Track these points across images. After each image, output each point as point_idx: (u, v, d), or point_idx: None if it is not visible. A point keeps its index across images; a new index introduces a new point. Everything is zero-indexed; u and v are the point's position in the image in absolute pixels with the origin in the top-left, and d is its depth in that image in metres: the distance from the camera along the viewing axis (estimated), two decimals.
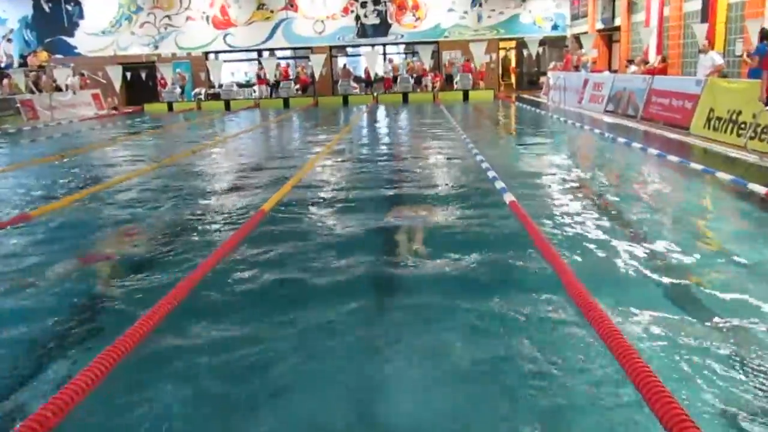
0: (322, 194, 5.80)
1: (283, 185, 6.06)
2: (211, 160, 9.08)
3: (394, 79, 23.01)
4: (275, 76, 23.31)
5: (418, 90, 23.00)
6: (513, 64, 25.66)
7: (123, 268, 3.80)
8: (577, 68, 18.97)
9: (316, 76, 22.43)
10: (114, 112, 21.18)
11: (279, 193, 5.66)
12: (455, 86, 22.84)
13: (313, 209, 5.26)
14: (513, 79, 25.65)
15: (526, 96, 21.10)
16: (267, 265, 3.84)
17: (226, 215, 5.24)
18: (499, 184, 5.49)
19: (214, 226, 4.87)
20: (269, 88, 23.92)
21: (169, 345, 2.70)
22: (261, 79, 23.93)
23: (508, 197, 4.87)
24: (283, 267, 3.80)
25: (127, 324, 2.36)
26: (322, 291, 3.33)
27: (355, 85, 23.55)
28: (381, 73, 23.20)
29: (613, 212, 4.82)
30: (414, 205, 5.14)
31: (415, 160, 7.71)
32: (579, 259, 3.68)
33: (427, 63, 22.18)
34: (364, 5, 23.38)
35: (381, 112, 18.35)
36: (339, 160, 8.06)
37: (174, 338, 2.76)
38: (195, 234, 4.66)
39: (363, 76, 24.00)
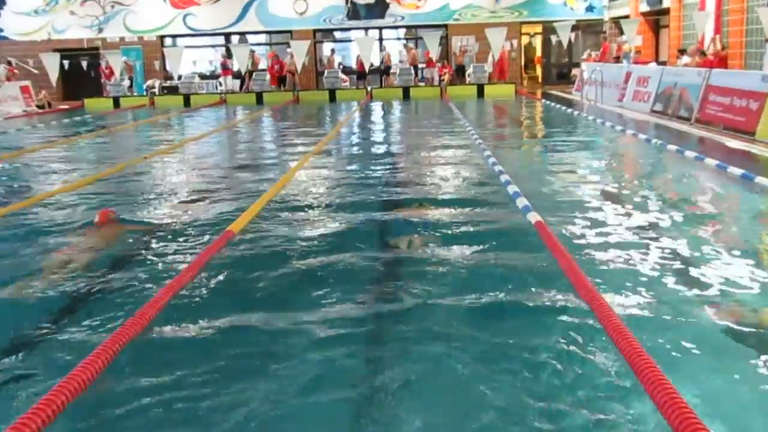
0: (301, 214, 5.85)
1: (254, 202, 6.10)
2: (166, 169, 9.13)
3: (386, 69, 23.37)
4: (246, 66, 23.56)
5: (423, 84, 23.30)
6: (538, 53, 26.04)
7: (50, 307, 3.78)
8: (617, 59, 19.24)
9: (298, 66, 22.70)
10: (40, 110, 21.18)
11: (250, 212, 5.71)
12: (467, 80, 23.15)
13: (290, 231, 5.28)
14: (538, 72, 26.02)
15: (554, 92, 21.37)
16: (234, 300, 3.86)
17: (184, 238, 5.29)
18: (522, 202, 5.56)
19: (170, 253, 4.90)
20: (239, 81, 24.15)
21: (109, 396, 2.73)
22: (228, 70, 24.18)
23: (533, 217, 4.96)
24: (254, 302, 3.81)
25: (58, 376, 2.43)
26: (301, 335, 3.31)
27: (344, 77, 23.82)
28: (376, 63, 23.48)
29: (662, 240, 4.85)
30: (417, 229, 5.19)
31: (418, 172, 7.78)
32: (624, 299, 3.68)
33: (434, 51, 22.49)
34: None
35: (376, 112, 18.47)
36: (323, 172, 8.14)
37: (116, 387, 2.80)
38: (145, 263, 4.67)
39: (354, 66, 24.32)
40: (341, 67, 24.72)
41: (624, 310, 3.47)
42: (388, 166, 8.40)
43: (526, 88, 23.70)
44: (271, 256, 4.64)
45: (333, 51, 24.65)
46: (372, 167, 8.39)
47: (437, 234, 5.05)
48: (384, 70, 23.63)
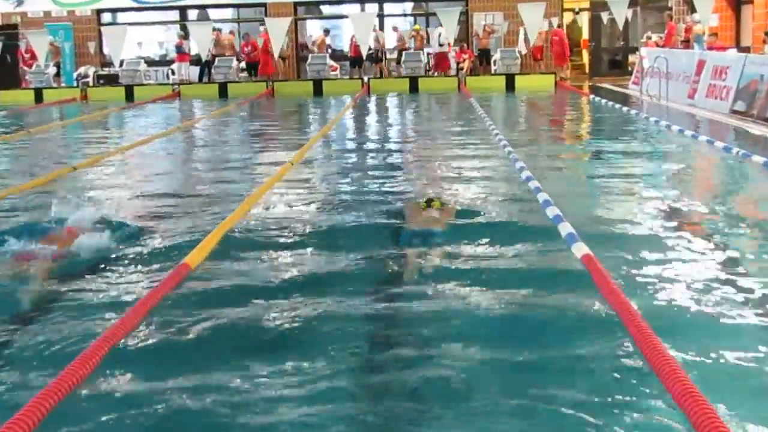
0: (274, 245, 5.88)
1: (214, 229, 6.11)
2: (101, 183, 9.12)
3: (376, 56, 23.77)
4: (209, 50, 23.78)
5: (435, 73, 23.50)
6: (585, 35, 26.36)
7: None
8: (686, 43, 19.40)
9: (275, 49, 22.88)
10: None
11: (208, 242, 5.72)
12: (494, 68, 23.37)
13: (259, 268, 5.31)
14: (585, 59, 26.37)
15: (605, 85, 21.58)
16: (187, 354, 3.89)
17: (127, 272, 5.31)
18: (565, 228, 5.62)
19: (109, 289, 4.92)
20: (198, 68, 24.34)
21: None
22: (184, 54, 24.38)
23: (580, 249, 5.01)
24: (213, 357, 3.83)
25: None
26: (274, 402, 3.30)
27: (333, 64, 24.02)
28: (374, 47, 23.79)
29: (747, 282, 4.80)
30: (427, 266, 5.18)
31: (428, 192, 7.79)
32: (697, 357, 3.68)
33: (450, 32, 22.67)
34: None
35: (374, 110, 18.66)
36: (303, 191, 8.12)
37: None
38: (74, 307, 4.66)
39: (348, 50, 24.53)
40: (329, 51, 24.96)
41: (696, 370, 3.46)
42: (388, 184, 8.38)
43: (569, 79, 23.90)
44: (235, 297, 4.69)
45: (326, 31, 24.94)
46: (368, 185, 8.39)
47: (454, 269, 5.08)
48: (379, 57, 23.94)
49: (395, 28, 24.70)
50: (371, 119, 16.87)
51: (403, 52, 23.72)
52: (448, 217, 6.27)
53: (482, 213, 6.65)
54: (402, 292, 4.69)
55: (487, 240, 5.71)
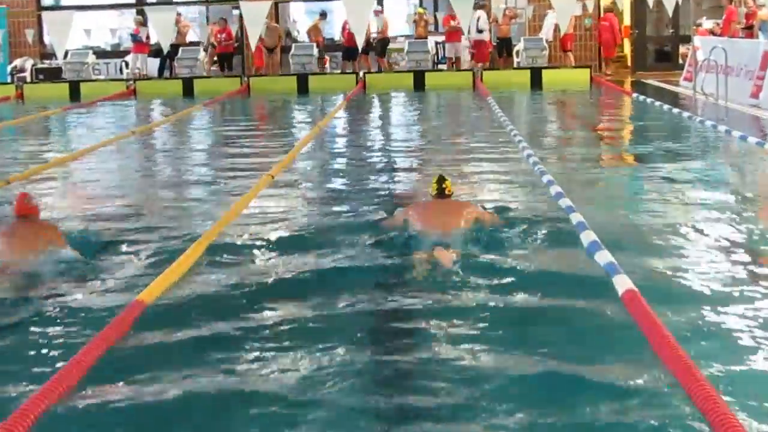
0: (248, 281, 5.84)
1: (175, 260, 6.06)
2: (39, 201, 8.96)
3: (375, 45, 23.82)
4: (172, 40, 23.76)
5: (445, 67, 23.69)
6: (627, 21, 26.30)
7: None
8: (749, 31, 19.38)
9: (251, 39, 22.81)
10: None
11: (168, 275, 5.69)
12: (516, 60, 23.47)
13: (231, 304, 5.31)
14: (627, 50, 26.29)
15: (651, 82, 21.56)
16: (136, 411, 3.90)
17: (73, 309, 5.29)
18: (604, 257, 5.64)
19: (53, 327, 4.92)
20: (158, 60, 24.32)
21: None
22: (141, 44, 24.37)
23: (623, 283, 5.05)
24: (167, 415, 3.84)
25: None
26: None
27: (321, 55, 24.13)
28: (375, 34, 23.89)
29: None
30: (436, 308, 5.19)
31: (442, 220, 7.50)
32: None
33: (464, 19, 22.68)
34: None
35: (369, 112, 18.75)
36: (281, 213, 8.02)
37: None
38: (14, 348, 4.72)
39: (340, 38, 24.65)
40: (323, 40, 25.02)
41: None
42: (383, 206, 8.14)
43: (608, 73, 23.93)
44: (197, 340, 4.73)
45: (323, 14, 24.96)
46: (362, 207, 8.22)
47: (471, 307, 5.11)
48: (379, 47, 23.99)
49: (377, 12, 24.21)
50: (365, 124, 16.82)
51: (407, 42, 23.72)
52: (473, 217, 6.52)
53: (503, 238, 6.55)
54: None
55: (505, 273, 5.67)
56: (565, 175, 9.37)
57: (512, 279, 5.55)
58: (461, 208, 6.77)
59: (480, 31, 23.23)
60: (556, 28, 23.34)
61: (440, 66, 24.33)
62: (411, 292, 5.39)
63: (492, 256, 5.97)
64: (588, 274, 5.53)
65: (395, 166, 11.28)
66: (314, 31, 24.61)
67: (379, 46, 23.96)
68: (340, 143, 14.03)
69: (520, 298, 5.24)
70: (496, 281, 5.50)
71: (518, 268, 5.75)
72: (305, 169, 10.92)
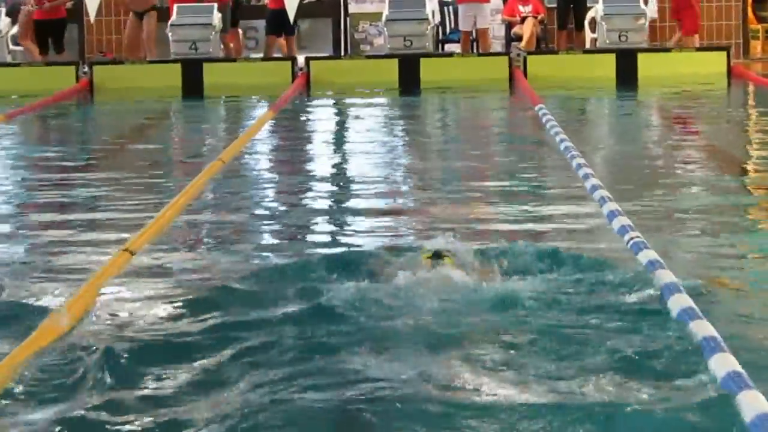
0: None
1: None
2: None
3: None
4: None
5: (458, 48, 18.62)
6: None
7: None
8: None
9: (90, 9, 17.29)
10: None
11: None
12: (591, 36, 18.21)
13: None
14: None
15: None
16: None
17: None
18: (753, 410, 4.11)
19: None
20: None
21: None
22: None
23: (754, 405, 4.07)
24: None
25: None
26: None
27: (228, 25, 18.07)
28: None
29: None
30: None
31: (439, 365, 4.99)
32: None
33: None
34: None
35: (321, 132, 13.12)
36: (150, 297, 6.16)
37: None
38: None
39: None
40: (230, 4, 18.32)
41: None
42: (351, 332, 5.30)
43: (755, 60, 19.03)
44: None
45: None
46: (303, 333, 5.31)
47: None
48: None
49: None
50: (305, 168, 11.06)
51: (388, 1, 17.61)
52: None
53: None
54: None
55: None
56: (688, 250, 6.75)
57: None
58: None
59: None
60: None
61: (449, 46, 19.18)
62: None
63: None
64: None
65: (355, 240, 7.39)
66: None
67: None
68: (256, 215, 8.94)
69: None
70: None
71: None
72: (182, 241, 7.38)
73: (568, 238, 7.15)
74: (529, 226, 7.60)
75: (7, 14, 17.27)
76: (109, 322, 5.53)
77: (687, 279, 5.56)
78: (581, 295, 5.46)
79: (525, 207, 8.26)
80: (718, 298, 5.52)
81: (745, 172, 10.15)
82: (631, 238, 6.88)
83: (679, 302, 5.21)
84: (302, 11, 18.00)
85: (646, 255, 6.39)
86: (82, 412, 3.83)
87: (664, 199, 8.57)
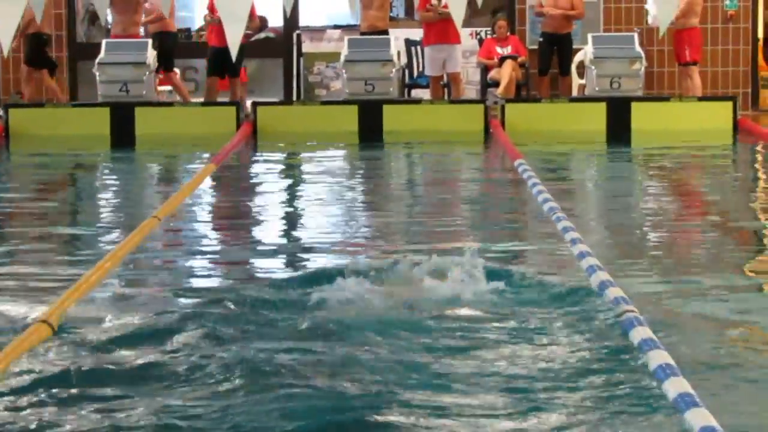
0: None
1: None
2: None
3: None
4: None
5: (426, 93, 17.34)
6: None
7: None
8: None
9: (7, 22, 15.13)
10: None
11: None
12: (578, 82, 16.95)
13: None
14: None
15: None
16: None
17: None
18: None
19: None
20: None
21: None
22: None
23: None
24: None
25: None
26: None
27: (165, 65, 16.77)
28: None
29: None
30: None
31: None
32: None
33: (456, 6, 16.16)
34: None
35: (269, 195, 11.59)
36: None
37: None
38: None
39: (202, 31, 17.40)
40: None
41: None
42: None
43: (766, 112, 17.34)
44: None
45: None
46: None
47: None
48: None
49: None
50: (244, 224, 10.11)
51: (347, 39, 16.44)
52: None
53: None
54: None
55: None
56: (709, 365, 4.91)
57: None
58: None
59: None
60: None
61: (416, 92, 17.90)
62: None
63: None
64: None
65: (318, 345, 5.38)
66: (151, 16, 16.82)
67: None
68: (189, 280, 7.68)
69: None
70: None
71: None
72: (100, 324, 5.66)
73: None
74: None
75: None
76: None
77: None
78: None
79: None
80: None
81: (754, 249, 8.80)
82: (627, 313, 6.06)
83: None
84: (249, 50, 16.76)
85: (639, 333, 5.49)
86: None
87: (662, 279, 7.20)
